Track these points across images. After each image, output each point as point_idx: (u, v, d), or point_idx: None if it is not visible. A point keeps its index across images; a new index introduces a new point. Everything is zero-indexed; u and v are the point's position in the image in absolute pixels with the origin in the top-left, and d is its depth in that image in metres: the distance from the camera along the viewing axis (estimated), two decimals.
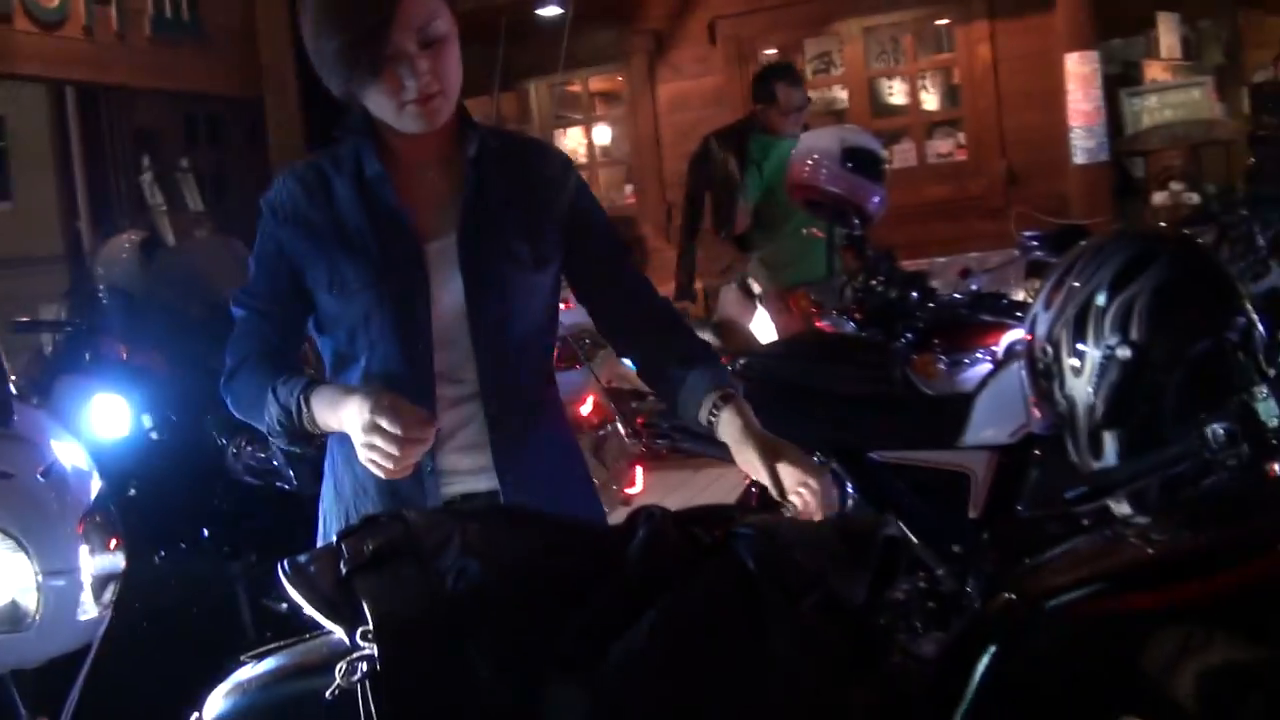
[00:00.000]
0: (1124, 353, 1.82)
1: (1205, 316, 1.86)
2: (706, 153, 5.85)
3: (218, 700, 1.59)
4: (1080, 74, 7.11)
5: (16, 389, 2.60)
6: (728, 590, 1.44)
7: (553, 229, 2.08)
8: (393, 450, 1.73)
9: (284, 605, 3.65)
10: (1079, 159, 7.22)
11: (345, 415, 1.80)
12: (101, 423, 3.46)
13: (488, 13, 7.47)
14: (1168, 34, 8.09)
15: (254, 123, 8.55)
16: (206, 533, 3.76)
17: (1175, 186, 7.32)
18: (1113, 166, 7.56)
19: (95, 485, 2.59)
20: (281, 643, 1.62)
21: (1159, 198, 7.39)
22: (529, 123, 9.54)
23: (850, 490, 3.18)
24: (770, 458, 1.96)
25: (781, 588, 1.45)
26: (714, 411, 2.01)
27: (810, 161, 4.51)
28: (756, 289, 6.18)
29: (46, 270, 7.98)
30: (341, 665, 1.39)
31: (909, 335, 4.16)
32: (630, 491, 5.11)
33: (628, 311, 2.14)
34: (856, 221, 4.50)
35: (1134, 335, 1.82)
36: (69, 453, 2.56)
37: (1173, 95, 7.72)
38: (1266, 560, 1.34)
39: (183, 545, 3.69)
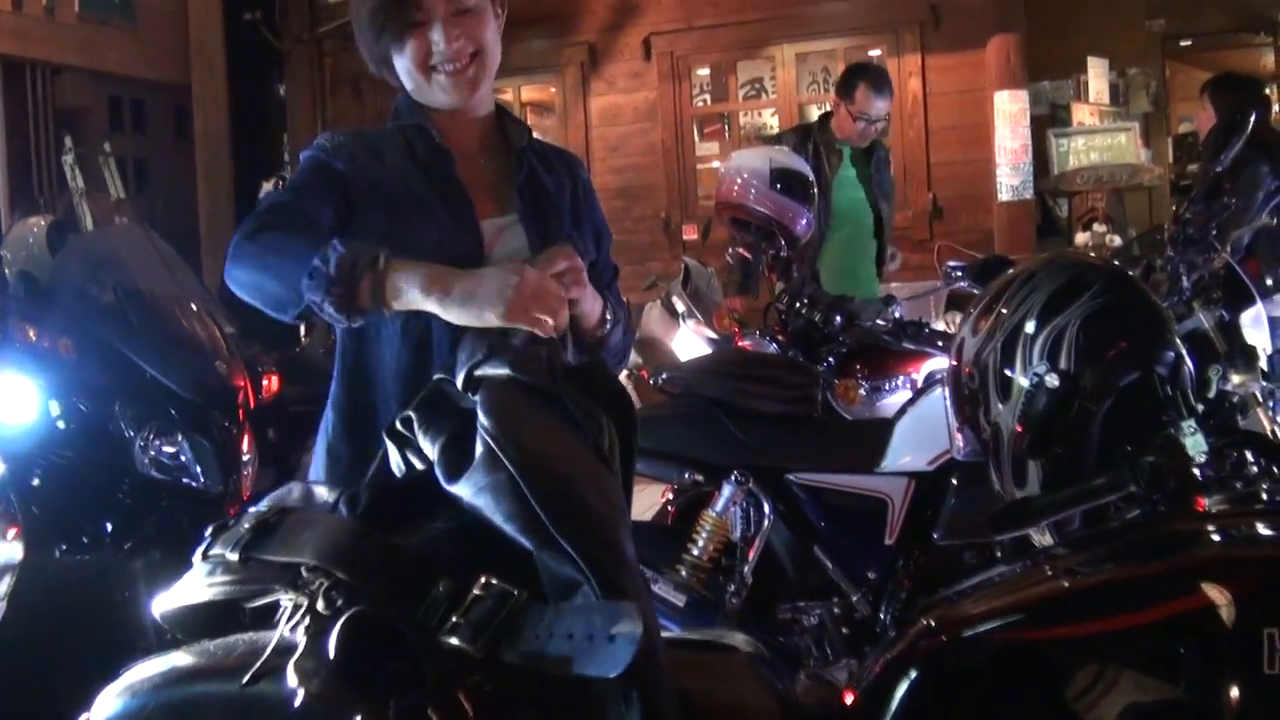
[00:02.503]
0: (1052, 381, 1.81)
1: (1135, 348, 1.86)
2: None
3: (109, 700, 1.53)
4: (1009, 112, 7.22)
5: None
6: None
7: (588, 228, 2.18)
8: (559, 305, 1.70)
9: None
10: (1004, 196, 7.32)
11: (473, 282, 1.69)
12: (6, 405, 3.34)
13: None
14: (1097, 79, 8.26)
15: (179, 109, 8.40)
16: (109, 527, 3.64)
17: (1099, 228, 7.45)
18: (1037, 205, 7.68)
19: None
20: (179, 644, 1.57)
21: (1081, 238, 7.52)
22: None
23: (767, 511, 3.16)
24: None
25: None
26: None
27: (739, 181, 4.51)
28: (680, 307, 6.16)
29: None
30: (287, 616, 1.36)
31: (831, 360, 4.17)
32: None
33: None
34: (783, 243, 4.51)
35: (1062, 364, 1.82)
36: None
37: (1099, 138, 7.87)
38: (1189, 598, 1.34)
39: (84, 539, 3.57)
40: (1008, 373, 1.88)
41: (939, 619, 1.44)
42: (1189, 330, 3.20)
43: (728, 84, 9.32)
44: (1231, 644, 1.28)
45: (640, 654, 1.14)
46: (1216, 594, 1.32)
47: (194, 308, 3.95)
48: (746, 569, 3.11)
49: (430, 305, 1.72)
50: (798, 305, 4.34)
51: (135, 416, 3.63)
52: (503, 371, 1.47)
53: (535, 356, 1.52)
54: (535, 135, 2.24)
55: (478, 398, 1.44)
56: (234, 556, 1.42)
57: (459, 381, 1.51)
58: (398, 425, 1.53)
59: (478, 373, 1.48)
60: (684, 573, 3.10)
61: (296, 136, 9.26)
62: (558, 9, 8.63)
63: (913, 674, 1.40)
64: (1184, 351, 1.90)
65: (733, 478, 3.16)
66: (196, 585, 1.48)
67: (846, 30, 8.25)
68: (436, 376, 1.57)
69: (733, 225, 4.71)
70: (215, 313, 4.04)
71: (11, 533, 2.39)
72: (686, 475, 3.32)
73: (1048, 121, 8.61)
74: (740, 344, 4.61)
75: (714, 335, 5.11)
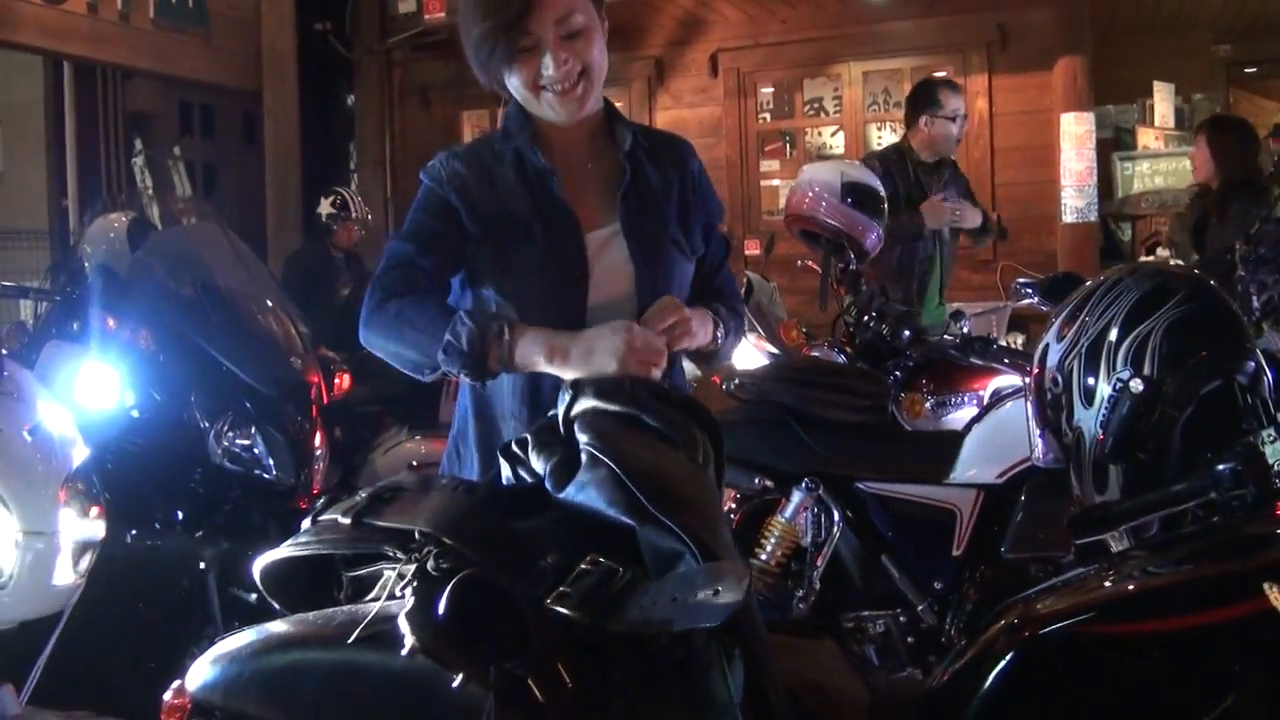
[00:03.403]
0: (1136, 386, 1.82)
1: (1217, 356, 1.86)
2: None
3: (203, 667, 1.56)
4: (1075, 134, 7.18)
5: (6, 349, 2.56)
6: None
7: (698, 220, 2.25)
8: (661, 358, 1.87)
9: (253, 595, 3.62)
10: (1068, 218, 7.27)
11: (588, 343, 1.87)
12: (89, 391, 3.42)
13: None
14: (1162, 103, 8.21)
15: (249, 115, 8.54)
16: (181, 515, 3.71)
17: (1162, 252, 7.38)
18: (1100, 228, 7.63)
19: (80, 452, 2.55)
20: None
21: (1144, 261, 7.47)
22: None
23: (837, 519, 3.17)
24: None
25: None
26: None
27: (810, 194, 4.53)
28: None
29: (30, 244, 7.93)
30: (393, 582, 1.42)
31: (898, 373, 4.18)
32: None
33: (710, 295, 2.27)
34: (853, 256, 4.52)
35: (1146, 370, 1.83)
36: (55, 416, 2.52)
37: (1164, 163, 7.82)
38: (1258, 600, 1.34)
39: (156, 525, 3.64)
40: (1091, 379, 1.89)
41: (1024, 612, 1.46)
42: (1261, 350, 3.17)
43: (793, 101, 9.34)
44: None
45: (741, 610, 1.17)
46: None
47: (270, 305, 4.03)
48: (815, 575, 3.12)
49: (553, 369, 1.91)
50: (866, 318, 4.35)
51: (211, 408, 3.71)
52: (591, 403, 1.57)
53: (619, 386, 1.61)
54: (645, 126, 2.32)
55: (577, 424, 1.55)
56: (346, 520, 1.46)
57: (560, 417, 1.60)
58: (513, 446, 1.60)
59: (574, 411, 1.59)
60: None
61: (364, 145, 9.39)
62: (626, 23, 8.69)
63: (999, 663, 1.41)
64: (1263, 362, 1.90)
65: (803, 484, 3.17)
66: (303, 541, 1.52)
67: (913, 50, 8.25)
68: (550, 413, 1.66)
69: (803, 238, 4.74)
70: (290, 311, 4.11)
71: (94, 512, 2.44)
72: (756, 481, 3.33)
73: (1112, 145, 8.57)
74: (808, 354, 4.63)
75: (774, 350, 5.13)
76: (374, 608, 1.58)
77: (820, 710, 1.38)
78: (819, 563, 3.14)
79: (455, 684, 1.36)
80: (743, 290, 6.21)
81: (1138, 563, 1.54)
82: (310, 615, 1.61)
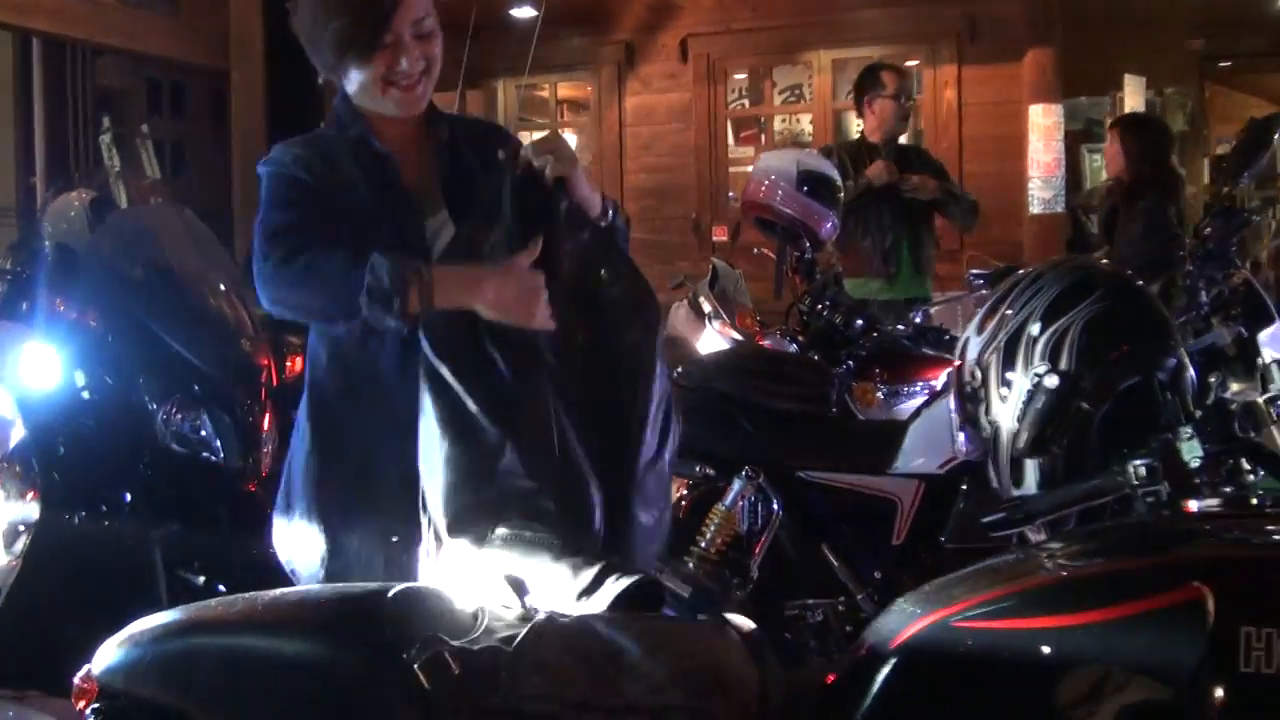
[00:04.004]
0: (1051, 381, 1.83)
1: (1136, 353, 1.88)
2: None
3: (110, 650, 1.58)
4: (1043, 126, 7.20)
5: None
6: None
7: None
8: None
9: (200, 578, 3.62)
10: (1035, 208, 7.31)
11: (507, 282, 1.98)
12: (30, 372, 3.40)
13: (459, 7, 7.46)
14: (1133, 96, 8.23)
15: (217, 94, 8.49)
16: (129, 496, 3.69)
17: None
18: (1068, 219, 7.66)
19: (16, 434, 2.53)
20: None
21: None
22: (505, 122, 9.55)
23: (776, 507, 3.18)
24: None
25: None
26: None
27: (766, 182, 4.54)
28: (707, 308, 6.19)
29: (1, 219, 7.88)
30: None
31: (850, 362, 4.20)
32: None
33: None
34: (808, 244, 4.54)
35: (1063, 365, 1.84)
36: None
37: None
38: (1168, 594, 1.35)
39: (103, 507, 3.62)
40: (1009, 373, 1.90)
41: (915, 606, 1.46)
42: (1207, 345, 3.19)
43: (763, 88, 9.34)
44: (1208, 641, 1.29)
45: None
46: (1195, 592, 1.33)
47: (222, 288, 4.00)
48: (752, 564, 3.12)
49: (474, 305, 1.98)
50: (819, 307, 4.37)
51: (159, 390, 3.68)
52: None
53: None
54: (458, 116, 2.40)
55: None
56: None
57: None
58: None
59: None
60: (691, 564, 3.11)
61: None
62: (596, 7, 8.69)
63: (888, 660, 1.42)
64: (1186, 359, 1.92)
65: (743, 473, 3.18)
66: None
67: (883, 39, 8.25)
68: None
69: (759, 226, 4.75)
70: (244, 294, 4.09)
71: (29, 495, 2.44)
72: (698, 469, 3.34)
73: (1083, 137, 8.60)
74: (761, 343, 4.65)
75: (740, 336, 5.15)
76: (270, 594, 1.60)
77: (706, 693, 1.39)
78: (757, 551, 3.14)
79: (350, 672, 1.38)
80: (708, 277, 6.26)
81: (1040, 558, 1.55)
82: (212, 601, 1.62)
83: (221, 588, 3.55)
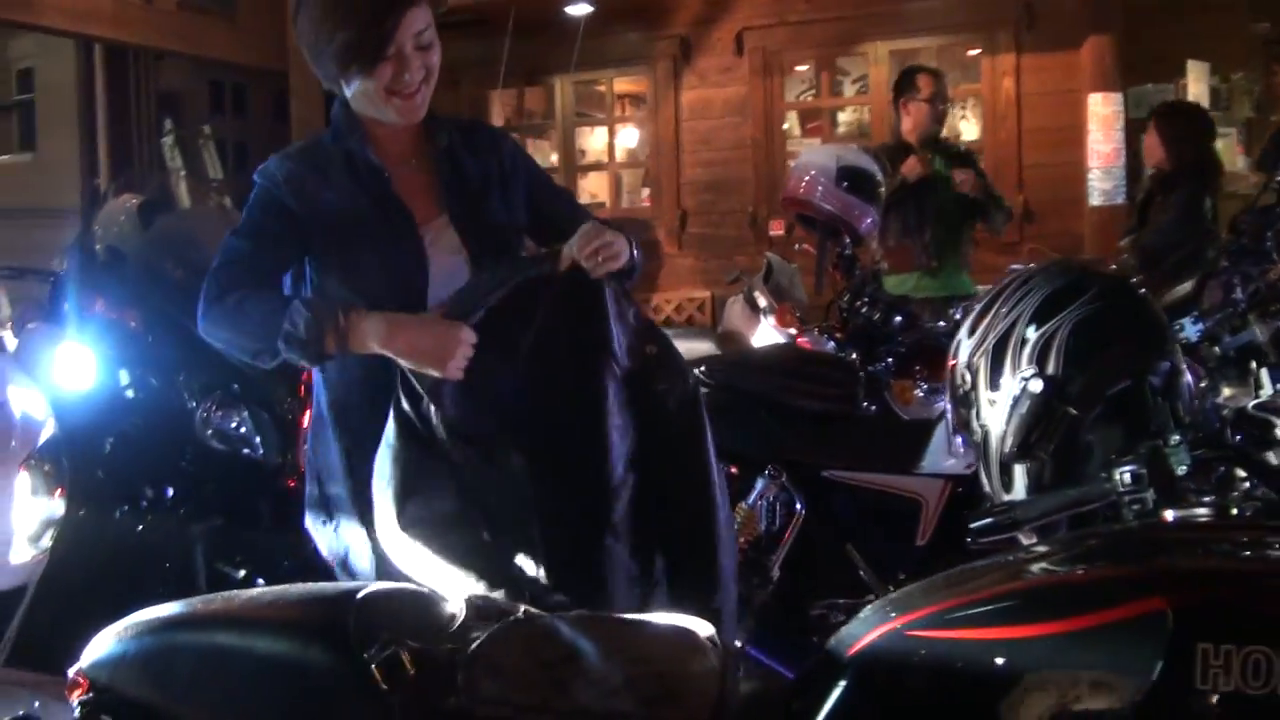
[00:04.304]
0: (1035, 386, 1.80)
1: (1127, 357, 1.84)
2: None
3: (100, 643, 1.62)
4: (1102, 115, 7.08)
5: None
6: None
7: (519, 196, 2.38)
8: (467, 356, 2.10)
9: (240, 572, 3.69)
10: (1095, 200, 7.18)
11: (425, 333, 2.11)
12: (65, 373, 3.49)
13: (502, 5, 7.50)
14: (1197, 83, 8.03)
15: (279, 94, 8.61)
16: (170, 492, 3.79)
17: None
18: (1128, 210, 7.51)
19: (47, 432, 2.61)
20: None
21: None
22: (551, 118, 9.57)
23: (799, 507, 3.18)
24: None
25: None
26: None
27: (806, 178, 4.53)
28: (762, 302, 6.18)
29: (63, 222, 8.08)
30: None
31: (889, 360, 4.16)
32: None
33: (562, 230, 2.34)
34: (848, 240, 4.51)
35: (1050, 369, 1.81)
36: (22, 398, 2.58)
37: None
38: (1125, 607, 1.33)
39: (144, 502, 3.72)
40: (998, 376, 1.87)
41: (875, 614, 1.46)
42: (1244, 343, 3.13)
43: (820, 80, 9.28)
44: (1164, 657, 1.27)
45: None
46: (1153, 606, 1.31)
47: None
48: (773, 563, 3.12)
49: (386, 353, 2.11)
50: (858, 304, 4.34)
51: (199, 389, 3.78)
52: None
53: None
54: (456, 119, 2.44)
55: None
56: None
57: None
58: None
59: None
60: None
61: None
62: (652, 1, 8.68)
63: (845, 669, 1.42)
64: (1182, 364, 1.87)
65: (766, 471, 3.18)
66: None
67: (940, 29, 8.15)
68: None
69: (800, 222, 4.74)
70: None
71: (57, 491, 2.52)
72: (720, 467, 3.33)
73: (1144, 125, 8.41)
74: (800, 340, 4.63)
75: (794, 332, 5.14)
76: (250, 592, 1.63)
77: (657, 699, 1.40)
78: (779, 550, 3.14)
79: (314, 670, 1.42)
80: (762, 272, 6.25)
81: (1005, 567, 1.54)
82: (196, 599, 1.66)
83: (260, 581, 3.63)
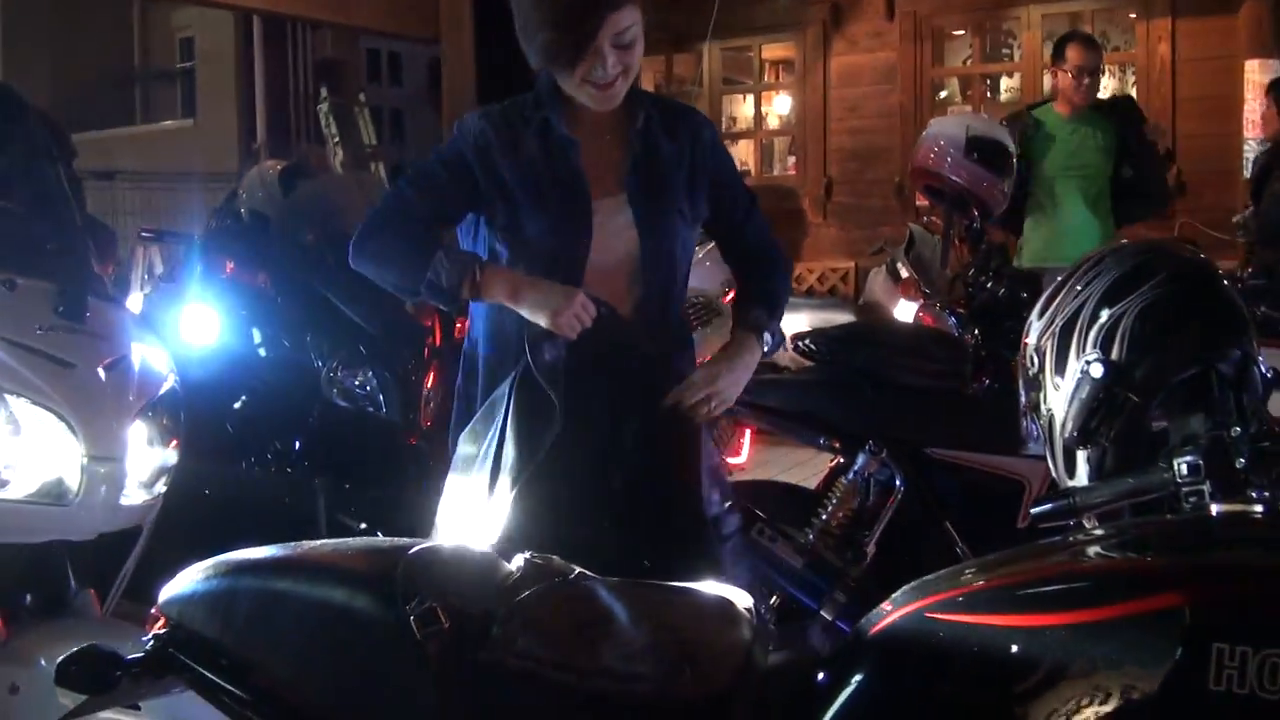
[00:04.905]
0: (1096, 371, 1.77)
1: (1195, 343, 1.79)
2: None
3: (175, 585, 1.72)
4: (1261, 83, 6.76)
5: (100, 291, 2.79)
6: None
7: (704, 188, 2.46)
8: (588, 319, 2.26)
9: (361, 524, 3.84)
10: (1252, 172, 6.87)
11: (543, 292, 2.27)
12: (190, 331, 3.67)
13: None
14: None
15: (434, 62, 8.79)
16: (297, 445, 3.96)
17: None
18: None
19: (166, 385, 2.76)
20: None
21: None
22: (698, 84, 9.56)
23: (898, 483, 3.15)
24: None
25: None
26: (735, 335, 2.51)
27: (935, 148, 4.45)
28: (904, 274, 6.11)
29: (221, 186, 8.42)
30: None
31: (1012, 337, 4.08)
32: (733, 461, 5.12)
33: (746, 250, 2.58)
34: (976, 213, 4.43)
35: (1115, 353, 1.77)
36: (145, 352, 2.73)
37: None
38: (1146, 601, 1.31)
39: (270, 455, 3.90)
40: (1064, 359, 1.84)
41: (904, 595, 1.46)
42: None
43: (972, 45, 9.07)
44: (1178, 655, 1.25)
45: None
46: (1171, 601, 1.29)
47: None
48: (869, 538, 3.11)
49: (510, 304, 2.31)
50: (983, 279, 4.27)
51: (326, 349, 3.93)
52: None
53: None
54: (660, 99, 2.55)
55: None
56: None
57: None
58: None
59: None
60: (811, 536, 3.13)
61: None
62: None
63: (867, 648, 1.44)
64: (1255, 353, 1.81)
65: (867, 447, 3.17)
66: None
67: None
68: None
69: (927, 194, 4.67)
70: None
71: (172, 442, 2.68)
72: (822, 441, 3.34)
73: None
74: (922, 315, 4.58)
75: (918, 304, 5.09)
76: (315, 544, 1.72)
77: (674, 664, 1.43)
78: (876, 526, 3.13)
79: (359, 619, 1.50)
80: (904, 243, 6.18)
81: (1042, 552, 1.53)
82: (271, 547, 1.75)
83: (379, 533, 3.77)
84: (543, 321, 2.26)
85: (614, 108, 2.36)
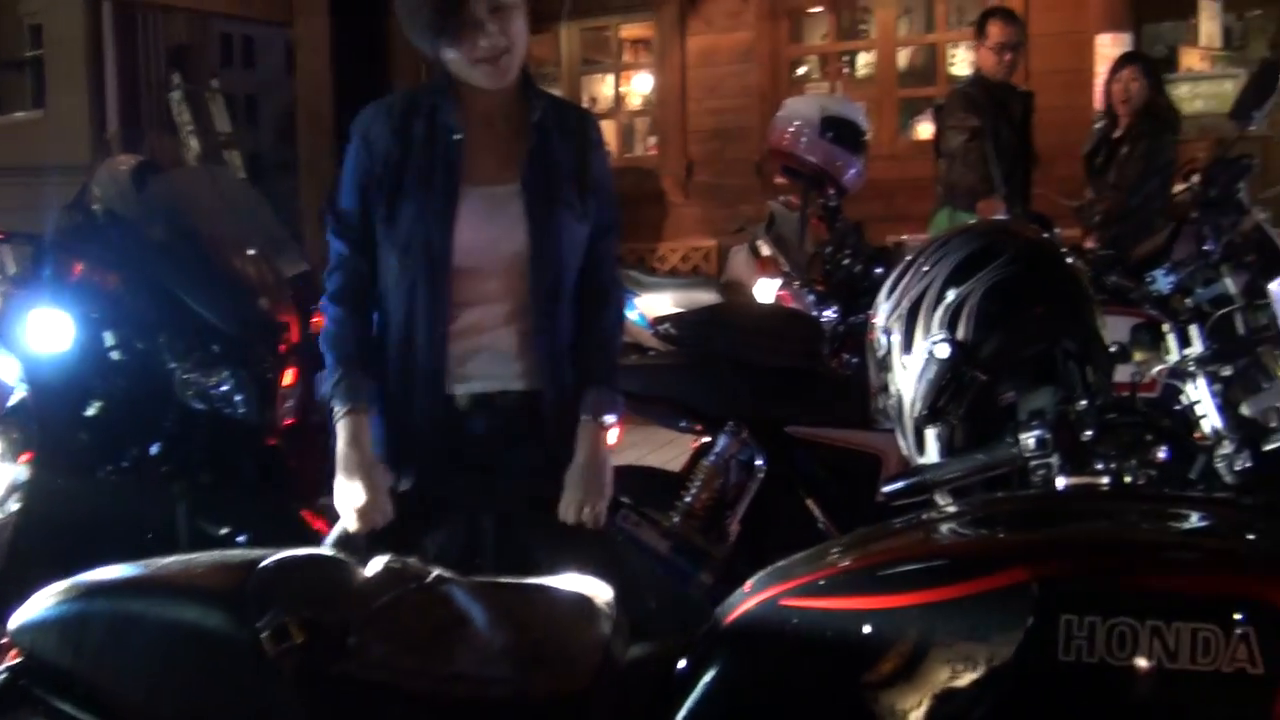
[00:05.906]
0: (942, 351, 1.81)
1: (1040, 320, 1.84)
2: None
3: (24, 612, 1.65)
4: (1111, 56, 6.93)
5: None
6: None
7: (590, 188, 2.47)
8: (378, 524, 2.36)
9: (222, 530, 3.75)
10: None
11: (352, 482, 2.35)
12: (36, 336, 3.54)
13: None
14: (1209, 21, 7.91)
15: (288, 47, 8.60)
16: (153, 451, 3.84)
17: (1197, 180, 7.15)
18: None
19: (15, 397, 2.66)
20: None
21: (1178, 189, 7.23)
22: (557, 65, 9.52)
23: (760, 462, 3.18)
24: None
25: None
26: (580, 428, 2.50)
27: (790, 129, 4.51)
28: (765, 252, 6.17)
29: (73, 180, 8.11)
30: None
31: (868, 312, 4.15)
32: None
33: (591, 270, 2.52)
34: (832, 192, 4.50)
35: (961, 333, 1.81)
36: None
37: (1205, 86, 7.54)
38: (999, 577, 1.34)
39: (126, 463, 3.77)
40: (911, 339, 1.88)
41: (758, 581, 1.47)
42: (1215, 295, 3.12)
43: (830, 23, 9.18)
44: (1028, 628, 1.27)
45: None
46: (1018, 576, 1.32)
47: (247, 249, 4.11)
48: (732, 518, 3.13)
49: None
50: (840, 256, 4.33)
51: (180, 349, 3.81)
52: None
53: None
54: (555, 97, 2.59)
55: None
56: None
57: None
58: None
59: None
60: (675, 519, 3.14)
61: (401, 74, 9.42)
62: None
63: (723, 637, 1.44)
64: (1099, 330, 1.87)
65: (727, 427, 3.19)
66: None
67: None
68: None
69: (785, 173, 4.72)
70: (272, 254, 4.20)
71: (23, 456, 2.57)
72: (685, 424, 3.36)
73: (1164, 66, 8.27)
74: (780, 293, 4.63)
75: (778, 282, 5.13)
76: (164, 560, 1.67)
77: (529, 665, 1.43)
78: (739, 506, 3.15)
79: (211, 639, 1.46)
80: (764, 222, 6.23)
81: (892, 533, 1.55)
82: (116, 566, 1.69)
83: (241, 539, 3.69)
84: (342, 509, 2.36)
85: (507, 86, 2.38)
